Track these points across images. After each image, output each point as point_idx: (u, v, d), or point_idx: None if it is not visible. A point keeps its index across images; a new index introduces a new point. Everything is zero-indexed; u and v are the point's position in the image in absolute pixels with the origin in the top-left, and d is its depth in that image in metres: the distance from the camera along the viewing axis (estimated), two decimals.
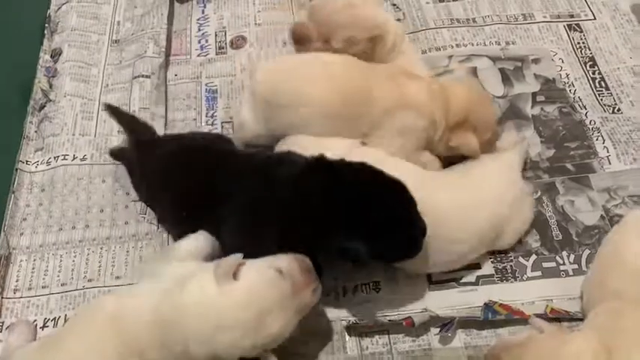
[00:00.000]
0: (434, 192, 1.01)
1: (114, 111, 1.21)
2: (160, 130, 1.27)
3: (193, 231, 0.98)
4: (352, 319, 1.03)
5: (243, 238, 0.96)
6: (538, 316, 1.00)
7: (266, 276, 0.85)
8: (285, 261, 0.87)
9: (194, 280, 0.85)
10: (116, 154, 1.24)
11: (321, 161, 0.94)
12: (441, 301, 1.05)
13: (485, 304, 1.02)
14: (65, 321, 1.05)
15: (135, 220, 1.17)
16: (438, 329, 1.02)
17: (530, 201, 1.13)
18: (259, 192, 0.96)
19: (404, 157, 1.07)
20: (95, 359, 0.86)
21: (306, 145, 1.02)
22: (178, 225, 1.06)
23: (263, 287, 0.84)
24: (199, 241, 0.97)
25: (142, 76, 1.37)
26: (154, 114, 1.31)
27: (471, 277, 1.08)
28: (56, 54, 1.43)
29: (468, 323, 1.02)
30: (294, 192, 0.93)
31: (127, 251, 1.14)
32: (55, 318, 1.06)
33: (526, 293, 1.06)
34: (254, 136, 1.14)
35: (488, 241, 1.06)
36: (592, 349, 0.85)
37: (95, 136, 1.30)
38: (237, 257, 0.85)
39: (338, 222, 0.89)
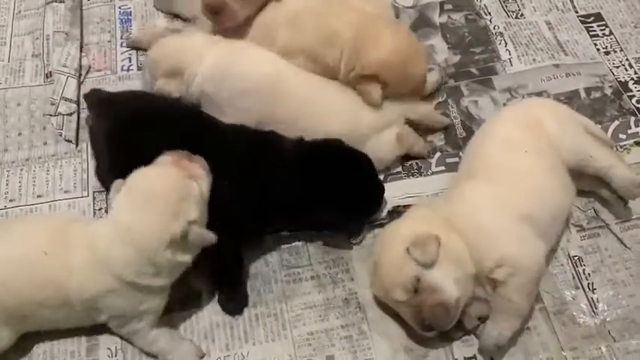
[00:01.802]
0: (289, 76, 1.12)
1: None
2: (75, 52, 1.27)
3: None
4: None
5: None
6: None
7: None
8: None
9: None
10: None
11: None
12: None
13: (388, 211, 1.07)
14: None
15: (54, 139, 1.19)
16: None
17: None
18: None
19: None
20: (24, 239, 0.91)
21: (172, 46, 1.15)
22: None
23: (141, 174, 0.90)
24: None
25: (56, 1, 1.36)
26: (69, 34, 1.30)
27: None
28: None
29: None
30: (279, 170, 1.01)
31: (47, 171, 1.15)
32: None
33: (430, 186, 1.13)
34: None
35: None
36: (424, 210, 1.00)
37: (9, 60, 1.30)
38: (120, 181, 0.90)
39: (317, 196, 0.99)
